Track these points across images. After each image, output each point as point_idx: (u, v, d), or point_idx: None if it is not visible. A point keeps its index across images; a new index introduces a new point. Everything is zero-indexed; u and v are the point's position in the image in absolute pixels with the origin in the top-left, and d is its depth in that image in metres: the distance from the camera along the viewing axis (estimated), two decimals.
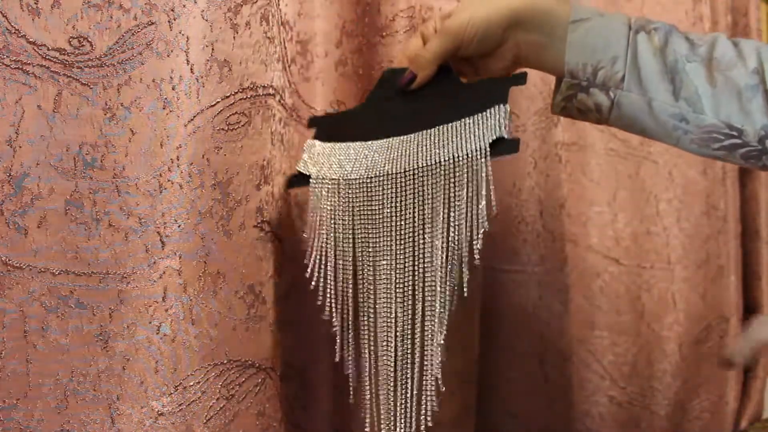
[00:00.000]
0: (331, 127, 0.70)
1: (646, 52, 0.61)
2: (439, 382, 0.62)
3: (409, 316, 0.63)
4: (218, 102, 0.62)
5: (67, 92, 0.55)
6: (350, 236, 0.65)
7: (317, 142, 0.69)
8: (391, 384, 0.64)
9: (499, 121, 0.61)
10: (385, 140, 0.66)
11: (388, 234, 0.63)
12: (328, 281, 0.66)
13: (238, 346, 0.65)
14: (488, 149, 0.60)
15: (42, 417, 0.56)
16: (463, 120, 0.63)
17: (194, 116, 0.60)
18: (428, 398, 0.62)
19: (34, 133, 0.55)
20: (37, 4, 0.54)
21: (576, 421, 1.02)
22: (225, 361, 0.64)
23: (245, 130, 0.64)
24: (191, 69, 0.60)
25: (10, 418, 0.55)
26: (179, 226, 0.60)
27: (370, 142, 0.66)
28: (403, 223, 0.63)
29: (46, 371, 0.56)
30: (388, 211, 0.63)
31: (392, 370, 0.64)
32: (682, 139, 0.61)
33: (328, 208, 0.65)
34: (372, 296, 0.64)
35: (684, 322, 1.08)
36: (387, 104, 0.69)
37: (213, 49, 0.61)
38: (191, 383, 0.62)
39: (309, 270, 0.65)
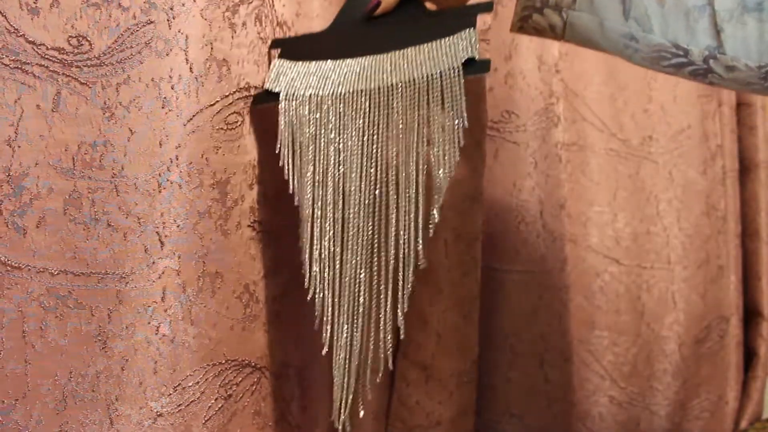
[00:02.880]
0: (297, 49, 0.69)
1: None
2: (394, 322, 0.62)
3: (376, 242, 0.63)
4: (217, 101, 0.62)
5: (66, 91, 0.55)
6: (332, 153, 0.64)
7: (285, 61, 0.68)
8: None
9: (470, 43, 0.63)
10: (355, 59, 0.66)
11: (359, 150, 0.64)
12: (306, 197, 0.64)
13: (235, 346, 0.65)
14: (461, 68, 0.61)
15: (41, 418, 0.56)
16: (433, 42, 0.64)
17: (193, 115, 0.60)
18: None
19: (33, 133, 0.54)
20: (36, 3, 0.54)
21: (576, 421, 1.02)
22: (223, 361, 0.64)
23: (241, 130, 0.64)
24: (190, 68, 0.60)
25: (9, 418, 0.55)
26: (178, 226, 0.60)
27: (341, 60, 0.67)
28: (374, 138, 0.63)
29: (44, 372, 0.56)
30: (360, 126, 0.64)
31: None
32: (634, 57, 0.62)
33: (312, 123, 0.65)
34: (341, 211, 0.64)
35: (684, 322, 1.07)
36: (353, 29, 0.69)
37: (212, 48, 0.61)
38: (190, 383, 0.61)
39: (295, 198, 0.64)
